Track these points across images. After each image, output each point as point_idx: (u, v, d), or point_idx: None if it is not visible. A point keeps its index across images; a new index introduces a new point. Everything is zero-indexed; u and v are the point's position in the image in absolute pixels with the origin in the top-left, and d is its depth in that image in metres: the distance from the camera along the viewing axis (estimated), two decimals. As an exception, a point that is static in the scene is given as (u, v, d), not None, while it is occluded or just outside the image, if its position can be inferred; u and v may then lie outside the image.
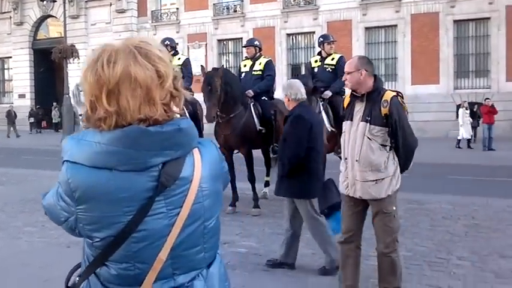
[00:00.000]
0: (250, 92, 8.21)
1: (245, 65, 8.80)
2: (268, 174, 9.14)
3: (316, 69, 8.53)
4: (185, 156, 1.50)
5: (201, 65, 8.65)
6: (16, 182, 11.45)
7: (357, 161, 3.99)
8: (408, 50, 25.68)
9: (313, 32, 26.82)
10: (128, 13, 32.02)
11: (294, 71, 27.70)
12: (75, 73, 23.94)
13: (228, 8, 30.03)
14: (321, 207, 4.87)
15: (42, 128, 33.84)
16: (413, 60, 25.48)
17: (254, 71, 8.56)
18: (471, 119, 19.92)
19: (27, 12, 35.38)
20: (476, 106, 21.54)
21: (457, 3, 24.68)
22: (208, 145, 1.63)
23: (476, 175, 11.91)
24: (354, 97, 4.12)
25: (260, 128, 8.11)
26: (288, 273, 5.10)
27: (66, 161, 1.46)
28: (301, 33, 28.41)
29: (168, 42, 9.15)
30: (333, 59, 8.39)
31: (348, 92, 4.66)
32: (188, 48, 30.08)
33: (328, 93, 8.05)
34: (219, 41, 30.22)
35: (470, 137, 19.51)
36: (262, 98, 8.33)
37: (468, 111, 19.89)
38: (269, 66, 8.60)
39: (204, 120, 8.18)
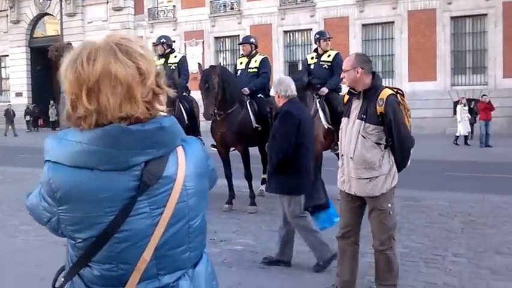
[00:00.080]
0: (246, 90, 8.20)
1: (241, 63, 8.79)
2: (265, 172, 9.10)
3: (312, 66, 8.52)
4: (168, 155, 1.47)
5: (198, 63, 8.64)
6: (13, 181, 11.44)
7: (351, 158, 4.00)
8: (405, 46, 25.66)
9: (310, 29, 26.75)
10: (125, 11, 31.96)
11: (291, 68, 27.65)
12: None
13: (224, 6, 29.97)
14: (306, 205, 4.96)
15: (39, 126, 33.78)
16: (411, 57, 25.47)
17: (250, 68, 8.55)
18: (469, 116, 19.94)
19: (24, 10, 35.29)
20: (473, 103, 21.55)
21: (454, -1, 24.70)
22: (193, 143, 1.60)
23: (473, 172, 11.92)
24: (351, 94, 4.13)
25: (256, 125, 8.11)
26: (284, 271, 5.10)
27: (48, 160, 1.43)
28: (298, 31, 28.36)
29: (164, 40, 9.13)
30: (329, 55, 8.38)
31: (344, 89, 4.67)
32: (185, 45, 30.05)
33: (324, 90, 8.05)
34: (216, 38, 30.17)
35: (467, 134, 19.53)
36: (258, 96, 8.33)
37: (466, 108, 19.90)
38: (264, 64, 8.58)
39: (202, 117, 8.16)
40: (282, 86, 5.27)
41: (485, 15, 24.49)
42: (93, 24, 32.56)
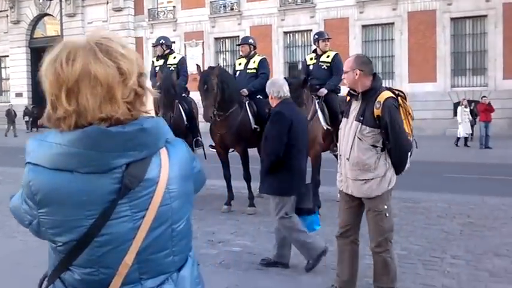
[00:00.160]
0: (245, 91, 8.19)
1: (240, 63, 8.78)
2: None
3: (311, 67, 8.50)
4: (151, 157, 1.44)
5: (197, 64, 8.61)
6: (13, 181, 11.39)
7: (347, 159, 4.01)
8: (405, 47, 25.67)
9: (310, 30, 26.73)
10: (125, 11, 31.98)
11: (291, 69, 27.65)
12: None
13: (224, 6, 29.99)
14: (295, 205, 5.04)
15: (38, 127, 33.75)
16: (410, 58, 25.48)
17: (248, 69, 8.54)
18: (470, 117, 19.93)
19: (24, 11, 35.32)
20: (473, 104, 21.54)
21: (454, 0, 24.68)
22: (178, 145, 1.57)
23: (472, 173, 11.91)
24: (351, 95, 4.13)
25: (255, 126, 8.09)
26: (282, 272, 5.10)
27: (28, 162, 1.41)
28: (298, 31, 28.38)
29: (163, 41, 9.11)
30: (328, 56, 8.35)
31: (344, 89, 4.67)
32: (185, 46, 30.06)
33: (323, 91, 8.03)
34: (216, 39, 30.18)
35: (467, 135, 19.51)
36: (257, 97, 8.31)
37: (467, 109, 19.89)
38: (263, 64, 8.57)
39: (201, 118, 8.16)
40: (274, 87, 5.28)
41: (485, 16, 24.50)
42: (93, 25, 32.54)
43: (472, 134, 20.24)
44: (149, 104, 1.53)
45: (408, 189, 8.32)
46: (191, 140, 8.71)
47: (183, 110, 8.75)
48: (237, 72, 8.71)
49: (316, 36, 8.59)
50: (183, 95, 8.99)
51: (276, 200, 5.07)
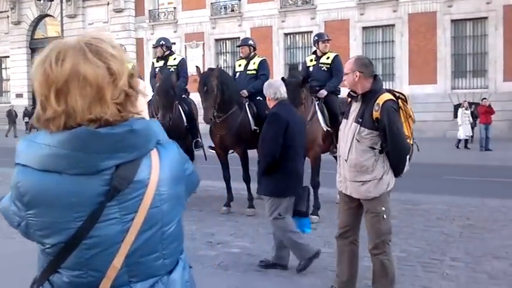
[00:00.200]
0: (245, 92, 8.19)
1: (240, 65, 8.78)
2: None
3: (311, 69, 8.48)
4: (141, 159, 1.43)
5: (196, 66, 8.61)
6: (12, 182, 11.42)
7: (345, 160, 4.01)
8: (406, 49, 25.66)
9: (311, 32, 26.68)
10: (126, 12, 31.98)
11: (291, 71, 27.61)
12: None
13: (225, 8, 30.01)
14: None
15: (38, 128, 33.75)
16: (411, 60, 25.47)
17: (248, 70, 8.53)
18: (471, 119, 19.92)
19: (25, 12, 35.34)
20: (473, 106, 21.53)
21: (455, 2, 24.67)
22: (170, 147, 1.55)
23: (472, 175, 11.90)
24: (351, 96, 4.13)
25: (255, 127, 8.09)
26: (281, 274, 5.09)
27: (18, 164, 1.41)
28: (299, 33, 28.38)
29: (163, 42, 9.11)
30: (328, 57, 8.32)
31: (344, 91, 4.67)
32: (185, 47, 30.07)
33: (323, 93, 8.02)
34: (217, 40, 30.19)
35: (467, 137, 19.50)
36: (257, 98, 8.30)
37: (468, 111, 19.88)
38: (263, 66, 8.56)
39: (201, 120, 8.16)
40: (271, 88, 5.29)
41: (486, 18, 24.49)
42: (93, 26, 32.55)
43: (472, 136, 20.23)
44: (140, 105, 1.52)
45: (408, 191, 8.31)
46: (191, 141, 8.71)
47: (183, 111, 8.74)
48: (237, 74, 8.71)
49: (316, 38, 8.58)
50: (183, 96, 8.99)
51: (270, 201, 5.07)
